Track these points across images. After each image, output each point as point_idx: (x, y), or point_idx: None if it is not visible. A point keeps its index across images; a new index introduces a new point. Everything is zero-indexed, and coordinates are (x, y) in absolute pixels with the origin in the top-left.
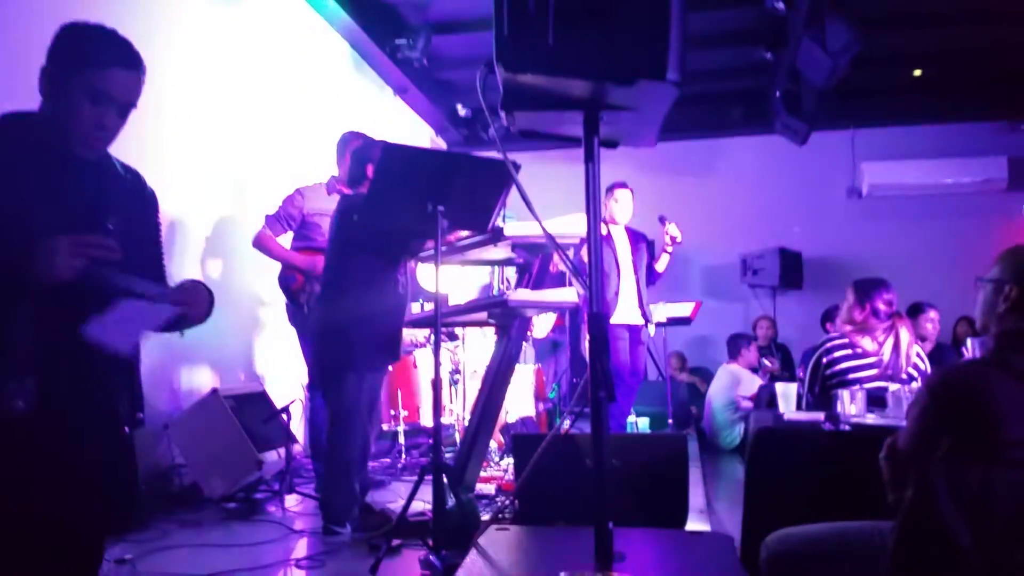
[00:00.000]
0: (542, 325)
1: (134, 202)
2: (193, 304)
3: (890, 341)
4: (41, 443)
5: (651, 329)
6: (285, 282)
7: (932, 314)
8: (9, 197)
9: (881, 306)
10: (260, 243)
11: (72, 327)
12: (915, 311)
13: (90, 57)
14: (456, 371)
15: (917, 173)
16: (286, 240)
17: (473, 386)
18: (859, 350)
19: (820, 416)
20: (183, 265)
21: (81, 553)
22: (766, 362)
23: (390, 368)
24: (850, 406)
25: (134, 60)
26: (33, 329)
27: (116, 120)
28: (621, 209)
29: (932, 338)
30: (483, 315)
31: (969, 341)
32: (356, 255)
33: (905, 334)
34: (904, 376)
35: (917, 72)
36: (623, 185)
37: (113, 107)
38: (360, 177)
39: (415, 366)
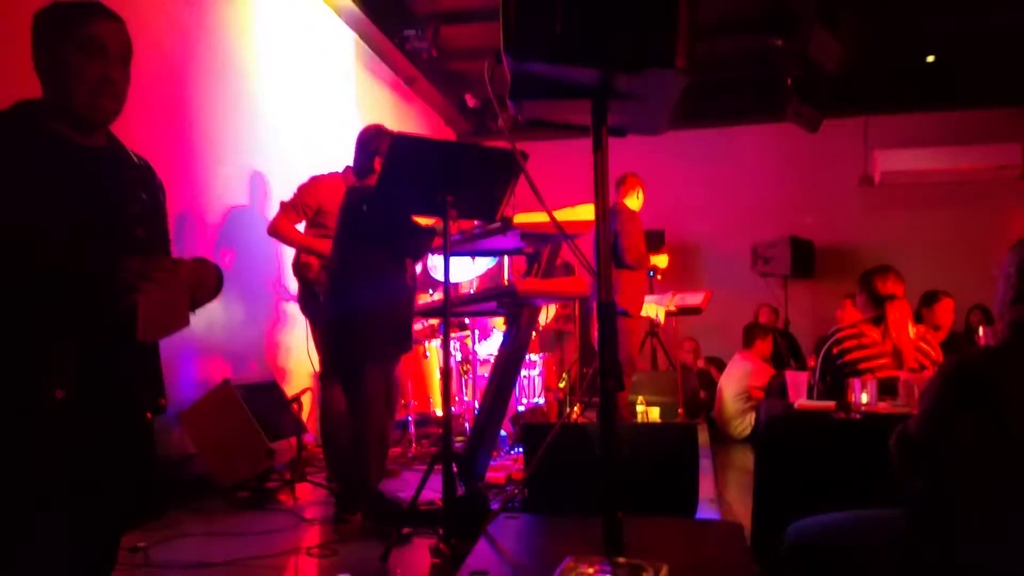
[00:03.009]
0: (544, 315)
1: (148, 190)
2: (203, 282)
3: (885, 325)
4: (74, 432)
5: (661, 317)
6: (301, 270)
7: (946, 302)
8: (35, 187)
9: (879, 293)
10: (276, 230)
11: (102, 316)
12: (929, 300)
13: (70, 18)
14: (466, 360)
15: (930, 160)
16: (299, 229)
17: (483, 375)
18: (867, 340)
19: (831, 405)
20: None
21: (102, 541)
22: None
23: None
24: (861, 394)
25: (111, 12)
26: (70, 320)
27: (121, 72)
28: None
29: (946, 327)
30: (493, 304)
31: (981, 329)
32: (364, 246)
33: (895, 316)
34: (915, 365)
35: (930, 58)
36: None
37: (111, 57)
38: (367, 169)
39: (425, 355)
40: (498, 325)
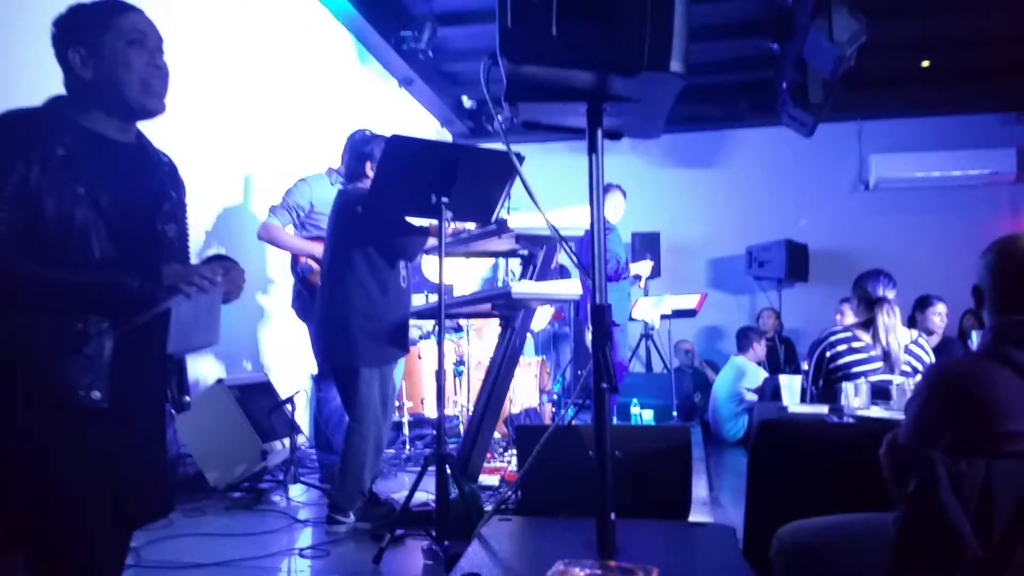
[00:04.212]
0: (539, 317)
1: (175, 187)
2: (235, 283)
3: (875, 328)
4: (109, 432)
5: (655, 320)
6: (301, 272)
7: (940, 307)
8: (73, 184)
9: (871, 296)
10: (267, 233)
11: (140, 317)
12: (923, 304)
13: (105, 16)
14: (460, 362)
15: (925, 165)
16: (290, 232)
17: (477, 377)
18: (859, 344)
19: (824, 409)
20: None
21: (118, 540)
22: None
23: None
24: (854, 399)
25: (132, 5)
26: (108, 320)
27: (164, 59)
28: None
29: (939, 331)
30: (487, 307)
31: (974, 334)
32: (358, 248)
33: (885, 319)
34: (908, 368)
35: (925, 63)
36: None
37: (150, 45)
38: (358, 173)
39: (420, 357)
40: (493, 327)
